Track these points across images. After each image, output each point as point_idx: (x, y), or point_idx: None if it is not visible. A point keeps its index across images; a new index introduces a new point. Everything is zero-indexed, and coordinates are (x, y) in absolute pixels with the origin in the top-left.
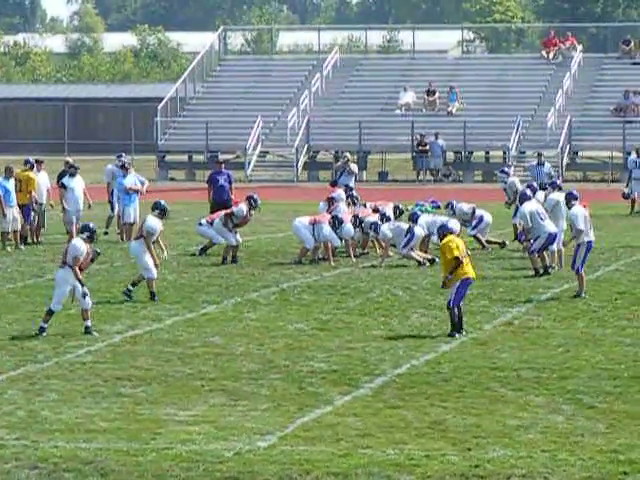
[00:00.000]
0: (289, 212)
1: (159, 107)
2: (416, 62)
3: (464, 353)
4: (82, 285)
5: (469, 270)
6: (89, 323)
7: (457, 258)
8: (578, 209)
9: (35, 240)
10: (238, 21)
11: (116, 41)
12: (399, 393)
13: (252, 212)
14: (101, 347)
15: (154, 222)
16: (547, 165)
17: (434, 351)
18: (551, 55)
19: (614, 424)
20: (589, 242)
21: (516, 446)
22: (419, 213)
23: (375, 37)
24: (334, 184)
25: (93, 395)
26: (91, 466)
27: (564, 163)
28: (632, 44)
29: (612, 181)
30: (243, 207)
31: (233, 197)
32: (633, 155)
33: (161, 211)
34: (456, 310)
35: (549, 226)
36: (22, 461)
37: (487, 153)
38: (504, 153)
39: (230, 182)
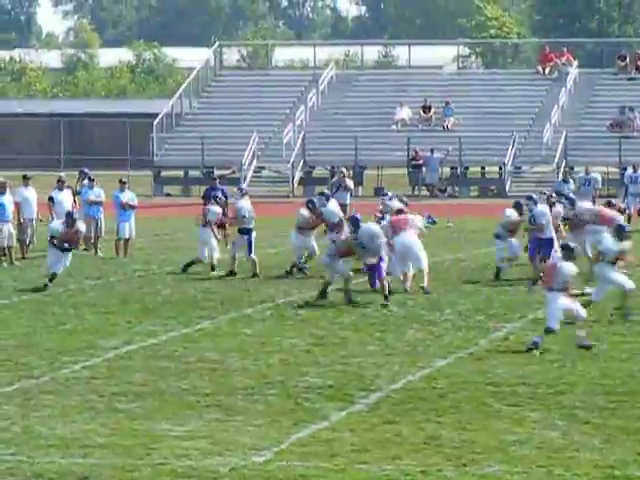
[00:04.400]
0: (285, 227)
1: (155, 123)
2: (412, 77)
3: (460, 368)
4: None
5: None
6: None
7: None
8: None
9: (23, 256)
10: (234, 37)
11: (112, 56)
12: (395, 408)
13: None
14: (97, 362)
15: None
16: (571, 182)
17: (430, 366)
18: (547, 70)
19: (609, 439)
20: None
21: (512, 461)
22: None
23: (371, 52)
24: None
25: (88, 410)
26: None
27: (560, 179)
28: (628, 59)
29: (608, 196)
30: (213, 210)
31: (228, 212)
32: (629, 170)
33: None
34: None
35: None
36: (17, 476)
37: (483, 168)
38: (500, 168)
39: (225, 198)
